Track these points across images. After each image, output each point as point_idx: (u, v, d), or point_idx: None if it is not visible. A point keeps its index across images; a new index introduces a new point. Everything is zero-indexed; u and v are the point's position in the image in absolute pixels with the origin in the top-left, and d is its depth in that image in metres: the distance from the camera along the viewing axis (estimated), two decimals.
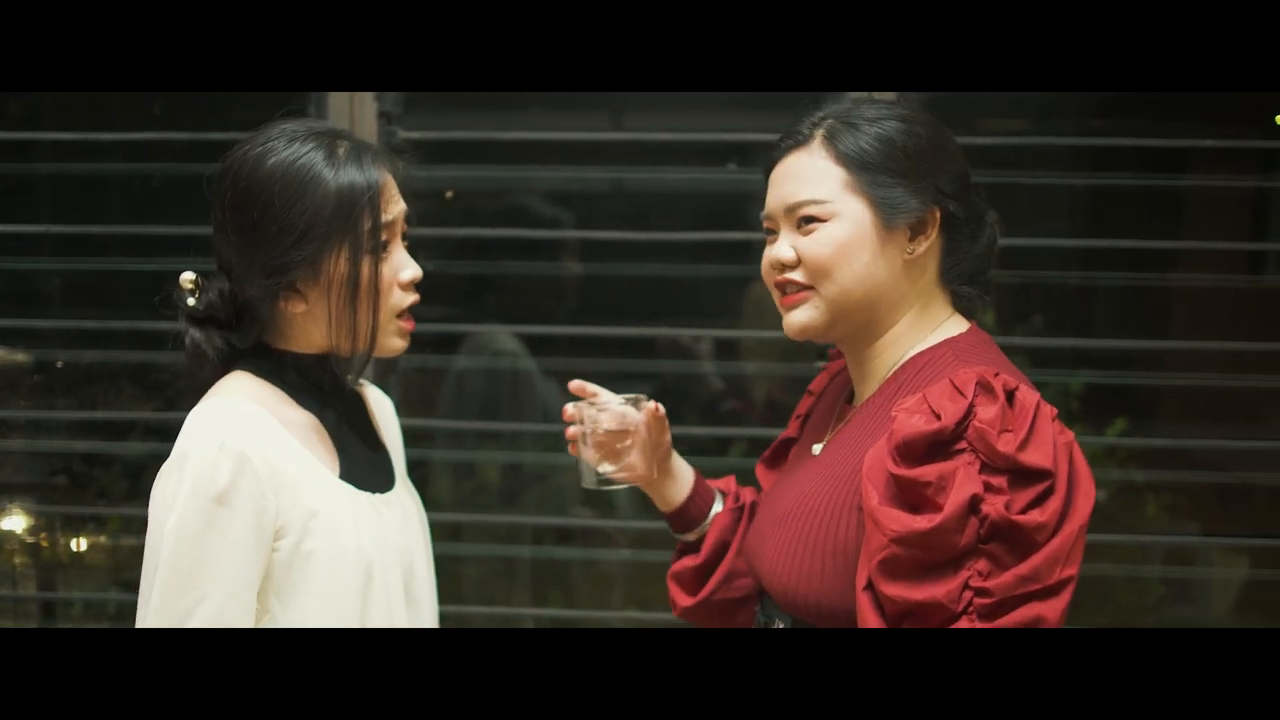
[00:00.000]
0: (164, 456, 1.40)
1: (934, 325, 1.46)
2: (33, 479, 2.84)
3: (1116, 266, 2.53)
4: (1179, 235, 2.61)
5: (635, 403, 1.63)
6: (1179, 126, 2.40)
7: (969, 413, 1.24)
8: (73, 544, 2.84)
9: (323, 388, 1.53)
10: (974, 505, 1.20)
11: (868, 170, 1.41)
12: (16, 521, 2.79)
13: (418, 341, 2.51)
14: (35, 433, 2.78)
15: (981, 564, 1.20)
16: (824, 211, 1.42)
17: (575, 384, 1.67)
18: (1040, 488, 1.21)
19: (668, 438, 1.66)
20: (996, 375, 1.27)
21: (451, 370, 2.78)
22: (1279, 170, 2.58)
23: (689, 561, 1.71)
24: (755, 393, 2.82)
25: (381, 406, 1.73)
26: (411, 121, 2.45)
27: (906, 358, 1.45)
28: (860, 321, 1.45)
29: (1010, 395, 1.26)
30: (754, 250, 1.52)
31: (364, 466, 1.56)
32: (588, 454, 1.61)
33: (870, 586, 1.26)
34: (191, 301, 1.50)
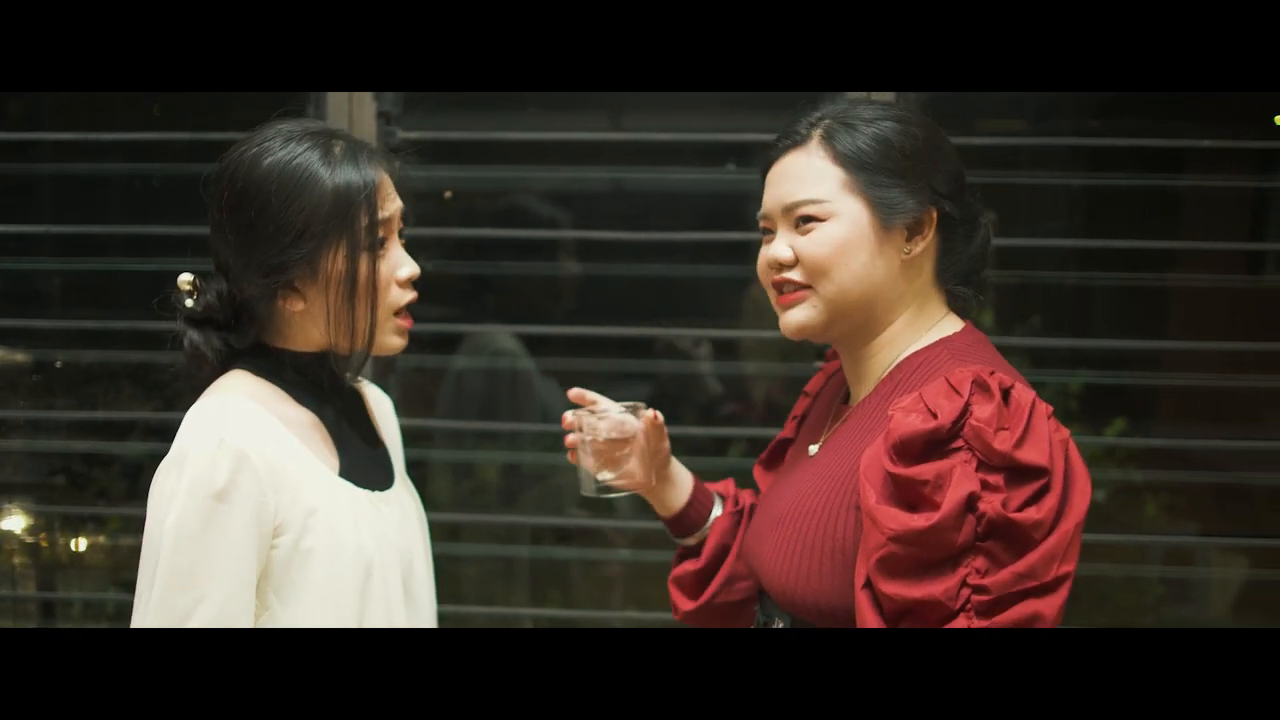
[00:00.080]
0: (163, 456, 1.40)
1: (929, 325, 1.47)
2: (32, 479, 2.84)
3: (1115, 267, 2.53)
4: (1177, 235, 2.62)
5: (634, 410, 1.63)
6: (1177, 127, 2.40)
7: (965, 411, 1.24)
8: (72, 544, 2.84)
9: (321, 386, 1.53)
10: (971, 503, 1.20)
11: (865, 170, 1.41)
12: (16, 522, 2.79)
13: (417, 341, 2.51)
14: (35, 433, 2.78)
15: (979, 561, 1.21)
16: (822, 211, 1.42)
17: (575, 392, 1.68)
18: (1037, 485, 1.22)
19: (666, 445, 1.67)
20: (992, 374, 1.28)
21: (450, 370, 2.78)
22: (1277, 170, 2.58)
23: (690, 566, 1.71)
24: (754, 394, 2.82)
25: (380, 405, 1.73)
26: (410, 121, 2.45)
27: (902, 357, 1.45)
28: (858, 321, 1.46)
29: (1006, 393, 1.26)
30: (753, 250, 1.52)
31: (363, 464, 1.56)
32: (587, 462, 1.61)
33: (868, 585, 1.27)
34: (190, 303, 1.50)
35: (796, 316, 1.46)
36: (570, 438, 1.64)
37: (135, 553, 1.39)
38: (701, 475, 1.76)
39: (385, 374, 2.35)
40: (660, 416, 1.63)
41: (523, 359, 2.73)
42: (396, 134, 2.41)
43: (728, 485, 1.78)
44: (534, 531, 2.86)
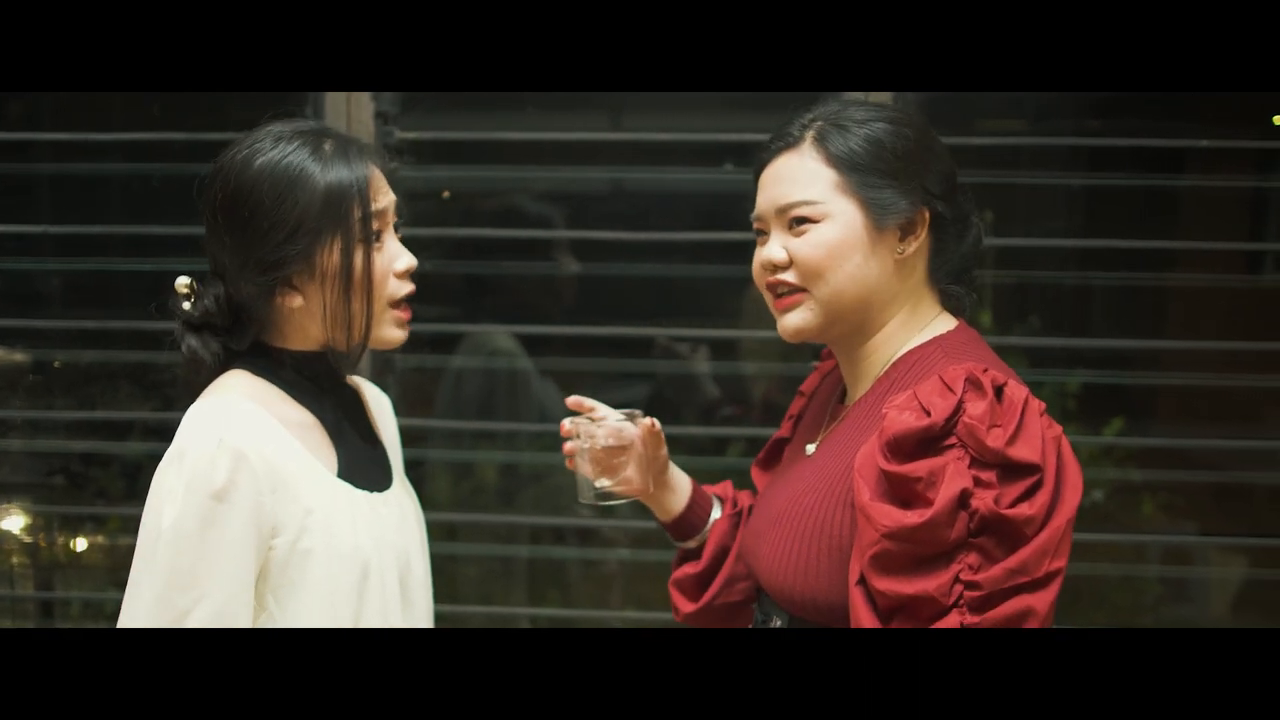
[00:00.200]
0: (162, 456, 1.40)
1: (924, 324, 1.47)
2: (31, 479, 2.84)
3: (1114, 266, 2.53)
4: (1176, 235, 2.62)
5: (631, 418, 1.64)
6: (1177, 127, 2.40)
7: (958, 408, 1.25)
8: (71, 544, 2.84)
9: (320, 385, 1.53)
10: (964, 500, 1.21)
11: (858, 171, 1.42)
12: (15, 521, 2.79)
13: (415, 341, 2.52)
14: (34, 432, 2.78)
15: (971, 558, 1.21)
16: (815, 213, 1.43)
17: (573, 400, 1.69)
18: (1029, 482, 1.22)
19: (664, 451, 1.67)
20: (985, 371, 1.28)
21: (449, 370, 2.78)
22: (1276, 170, 2.59)
23: (690, 569, 1.72)
24: (753, 395, 2.82)
25: (379, 404, 1.73)
26: (408, 121, 2.45)
27: (898, 356, 1.46)
28: (854, 322, 1.46)
29: (999, 391, 1.27)
30: (752, 251, 1.52)
31: (362, 465, 1.56)
32: (585, 469, 1.62)
33: (862, 581, 1.27)
34: (187, 306, 1.50)
35: (794, 320, 1.47)
36: (568, 445, 1.65)
37: (134, 552, 1.39)
38: (700, 475, 1.76)
39: (384, 374, 2.36)
40: (657, 424, 1.63)
41: (521, 359, 2.73)
42: (394, 134, 2.41)
43: (726, 487, 1.78)
44: (532, 531, 2.87)
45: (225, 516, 1.35)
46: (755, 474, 1.74)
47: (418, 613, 1.60)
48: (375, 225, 1.48)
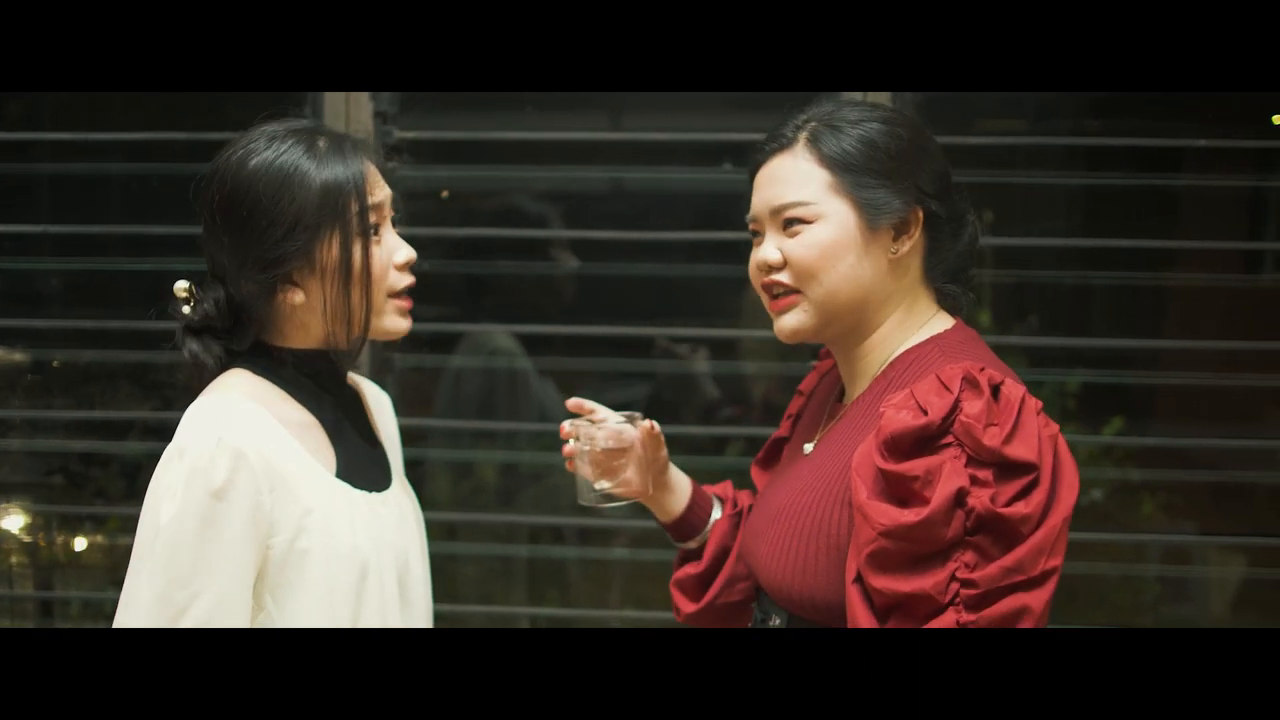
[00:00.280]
0: (161, 456, 1.40)
1: (920, 323, 1.48)
2: (30, 478, 2.84)
3: (1113, 266, 2.53)
4: (1175, 235, 2.62)
5: (631, 420, 1.64)
6: (1175, 126, 2.40)
7: (955, 407, 1.25)
8: (70, 543, 2.83)
9: (321, 384, 1.54)
10: (960, 498, 1.21)
11: (851, 172, 1.42)
12: (14, 521, 2.79)
13: (414, 341, 2.52)
14: (33, 432, 2.78)
15: (968, 556, 1.22)
16: (809, 213, 1.43)
17: (573, 402, 1.69)
18: (1025, 480, 1.23)
19: (664, 453, 1.67)
20: (982, 370, 1.29)
21: (448, 369, 2.78)
22: (1275, 170, 2.59)
23: (691, 569, 1.72)
24: (753, 394, 2.82)
25: (379, 403, 1.73)
26: (407, 121, 2.45)
27: (895, 355, 1.46)
28: (849, 323, 1.47)
29: (996, 389, 1.27)
30: (750, 250, 1.53)
31: (361, 465, 1.56)
32: (585, 471, 1.63)
33: (859, 579, 1.28)
34: (187, 310, 1.51)
35: (789, 322, 1.47)
36: (568, 447, 1.65)
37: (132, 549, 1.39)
38: (699, 475, 1.76)
39: (382, 373, 2.36)
40: (656, 426, 1.64)
41: (520, 358, 2.73)
42: (393, 133, 2.42)
43: (726, 487, 1.79)
44: (532, 531, 2.87)
45: (224, 514, 1.35)
46: (755, 473, 1.75)
47: (417, 613, 1.60)
48: (373, 219, 1.48)
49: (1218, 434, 2.55)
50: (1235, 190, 2.65)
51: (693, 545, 1.73)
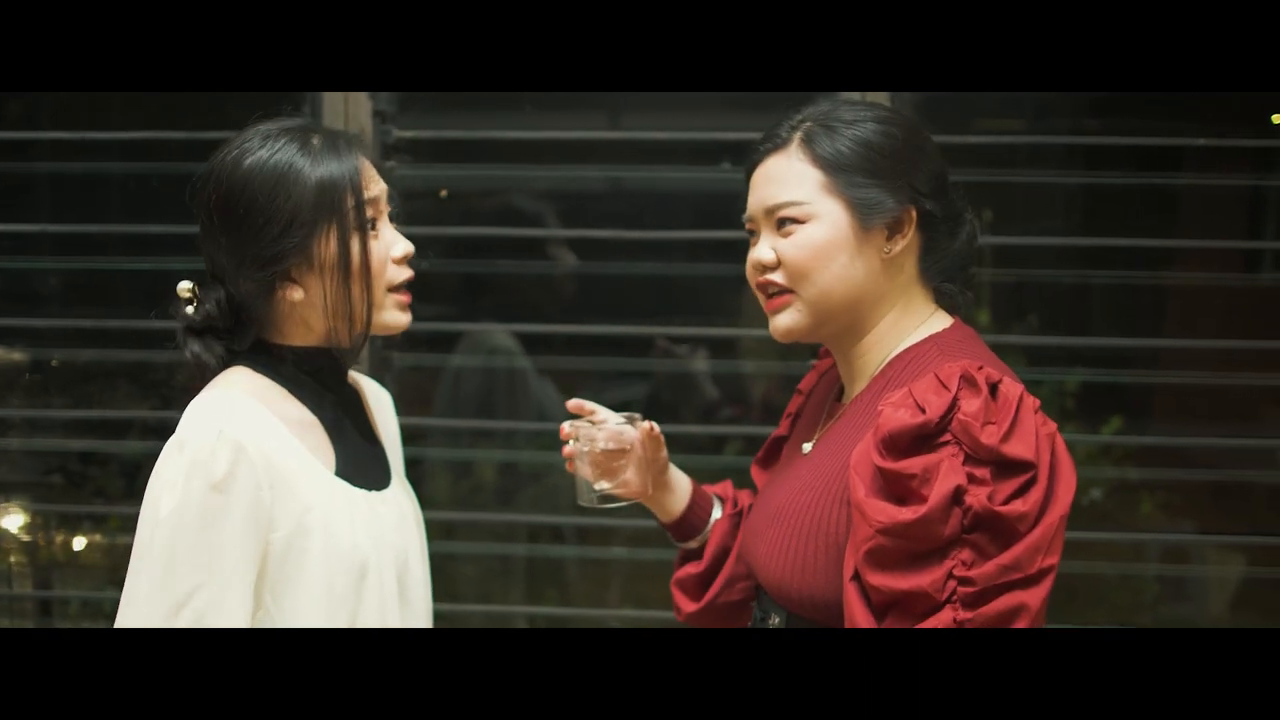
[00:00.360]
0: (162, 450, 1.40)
1: (918, 322, 1.48)
2: (29, 477, 2.84)
3: (1112, 265, 2.53)
4: (1174, 234, 2.62)
5: (631, 421, 1.64)
6: (1174, 125, 2.40)
7: (953, 406, 1.25)
8: (69, 542, 2.83)
9: (321, 382, 1.54)
10: (958, 496, 1.21)
11: (844, 172, 1.42)
12: (13, 520, 2.79)
13: (413, 340, 2.52)
14: (31, 431, 2.78)
15: (965, 554, 1.22)
16: (801, 213, 1.43)
17: (574, 403, 1.69)
18: (1023, 479, 1.23)
19: (664, 454, 1.67)
20: (980, 369, 1.29)
21: (448, 369, 2.78)
22: (1274, 169, 2.59)
23: (691, 569, 1.72)
24: (753, 393, 2.82)
25: (380, 402, 1.74)
26: (406, 120, 2.45)
27: (893, 354, 1.46)
28: (844, 322, 1.47)
29: (994, 388, 1.27)
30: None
31: (361, 464, 1.56)
32: (585, 471, 1.63)
33: (857, 577, 1.28)
34: (189, 310, 1.51)
35: (783, 321, 1.48)
36: (568, 448, 1.65)
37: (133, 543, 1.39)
38: (698, 474, 1.77)
39: (381, 372, 2.35)
40: (656, 427, 1.64)
41: (519, 357, 2.73)
42: (392, 133, 2.41)
43: (726, 487, 1.79)
44: (531, 530, 2.87)
45: (223, 507, 1.35)
46: (755, 473, 1.75)
47: (416, 612, 1.60)
48: (369, 213, 1.49)
49: (1216, 433, 2.55)
50: (1234, 189, 2.65)
51: (693, 545, 1.73)
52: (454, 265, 2.68)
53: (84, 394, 2.78)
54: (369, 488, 1.55)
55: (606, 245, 2.62)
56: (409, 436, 1.80)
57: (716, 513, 1.73)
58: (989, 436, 1.23)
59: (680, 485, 1.73)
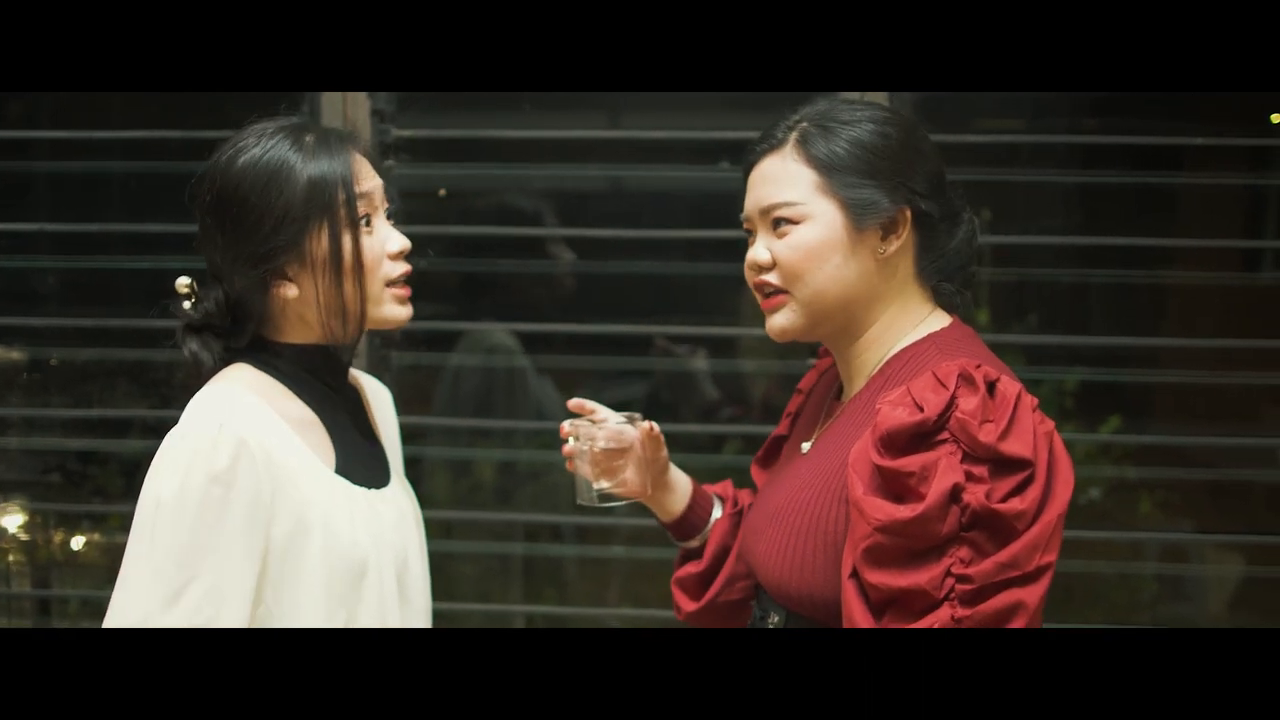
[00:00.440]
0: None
1: (916, 321, 1.48)
2: (28, 476, 2.84)
3: (1111, 264, 2.53)
4: (1173, 233, 2.62)
5: (631, 420, 1.64)
6: (1173, 125, 2.40)
7: (951, 404, 1.26)
8: (68, 541, 2.83)
9: (321, 380, 1.54)
10: (955, 494, 1.22)
11: (838, 172, 1.42)
12: (12, 519, 2.79)
13: (411, 339, 2.52)
14: (31, 430, 2.78)
15: (963, 551, 1.22)
16: (796, 214, 1.44)
17: (574, 402, 1.70)
18: (1020, 476, 1.23)
19: (664, 454, 1.68)
20: (978, 367, 1.29)
21: (448, 368, 2.78)
22: (1273, 168, 2.59)
23: (692, 568, 1.73)
24: (752, 392, 2.82)
25: (379, 399, 1.74)
26: (405, 120, 2.45)
27: (891, 353, 1.46)
28: (840, 322, 1.47)
29: (991, 386, 1.28)
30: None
31: (360, 462, 1.56)
32: (584, 470, 1.63)
33: (855, 574, 1.28)
34: (187, 306, 1.51)
35: (778, 321, 1.49)
36: (568, 447, 1.65)
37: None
38: (697, 473, 1.77)
39: (379, 371, 2.35)
40: (656, 427, 1.64)
41: (518, 356, 2.73)
42: (391, 132, 2.41)
43: (726, 487, 1.79)
44: (530, 529, 2.87)
45: (223, 499, 1.35)
46: (755, 472, 1.75)
47: (415, 611, 1.60)
48: (363, 209, 1.49)
49: (1215, 432, 2.55)
50: (1233, 188, 2.65)
51: (694, 544, 1.74)
52: (453, 264, 2.68)
53: (83, 393, 2.78)
54: (369, 486, 1.55)
55: (606, 244, 2.62)
56: (407, 436, 1.80)
57: (717, 512, 1.74)
58: (987, 434, 1.23)
59: (680, 485, 1.73)
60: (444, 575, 2.65)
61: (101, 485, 2.85)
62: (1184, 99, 2.41)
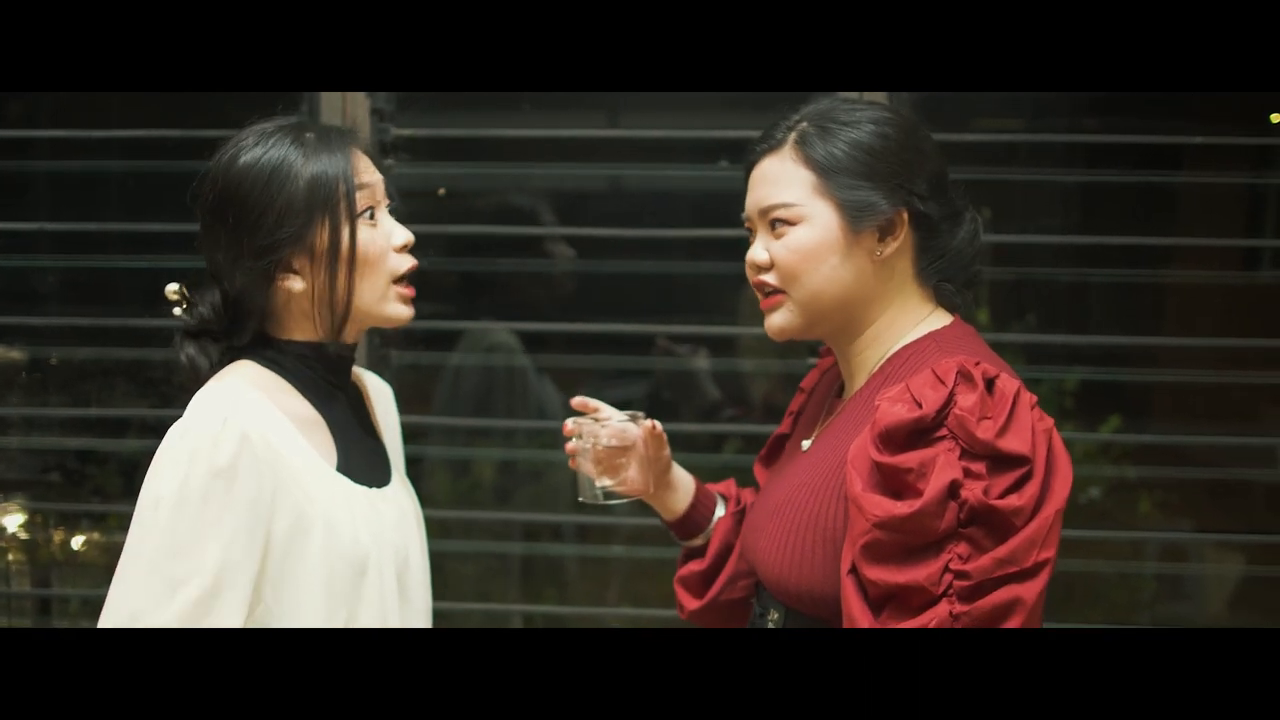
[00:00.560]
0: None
1: (917, 320, 1.48)
2: (27, 476, 2.83)
3: (1110, 263, 2.53)
4: (1173, 232, 2.62)
5: (634, 419, 1.65)
6: (1173, 124, 2.40)
7: (949, 400, 1.26)
8: (68, 541, 2.83)
9: (324, 377, 1.55)
10: (953, 490, 1.22)
11: (836, 174, 1.43)
12: (11, 519, 2.79)
13: (411, 338, 2.52)
14: (30, 430, 2.78)
15: (961, 548, 1.22)
16: (793, 215, 1.44)
17: (578, 400, 1.71)
18: (1018, 473, 1.24)
19: (667, 452, 1.69)
20: (977, 364, 1.30)
21: (448, 367, 2.78)
22: (1273, 167, 2.59)
23: (694, 566, 1.74)
24: (753, 393, 2.82)
25: (381, 397, 1.74)
26: (404, 119, 2.45)
27: (892, 351, 1.47)
28: (838, 321, 1.48)
29: (990, 383, 1.28)
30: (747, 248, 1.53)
31: (362, 460, 1.57)
32: (587, 468, 1.63)
33: (854, 570, 1.29)
34: (178, 312, 1.52)
35: (776, 320, 1.50)
36: (570, 444, 1.66)
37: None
38: (698, 473, 1.77)
39: (379, 370, 2.35)
40: (659, 426, 1.64)
41: (518, 355, 2.73)
42: (390, 131, 2.41)
43: (729, 485, 1.80)
44: (530, 528, 2.87)
45: (225, 494, 1.35)
46: (758, 471, 1.76)
47: (415, 610, 1.61)
48: (366, 202, 1.50)
49: (1215, 432, 2.55)
50: (1233, 187, 2.65)
51: (696, 543, 1.74)
52: (453, 264, 2.68)
53: (82, 392, 2.78)
54: (370, 484, 1.55)
55: (606, 244, 2.62)
56: (407, 435, 1.80)
57: (719, 511, 1.74)
58: (985, 431, 1.23)
59: (683, 483, 1.73)
60: (444, 575, 2.65)
61: (100, 485, 2.84)
62: (1184, 99, 2.41)
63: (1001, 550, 1.21)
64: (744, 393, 2.81)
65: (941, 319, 1.49)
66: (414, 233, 1.56)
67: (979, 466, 1.23)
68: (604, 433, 1.62)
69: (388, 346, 2.46)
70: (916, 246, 1.47)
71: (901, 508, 1.23)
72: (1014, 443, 1.24)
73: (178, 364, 1.54)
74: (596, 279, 2.71)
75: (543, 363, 2.75)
